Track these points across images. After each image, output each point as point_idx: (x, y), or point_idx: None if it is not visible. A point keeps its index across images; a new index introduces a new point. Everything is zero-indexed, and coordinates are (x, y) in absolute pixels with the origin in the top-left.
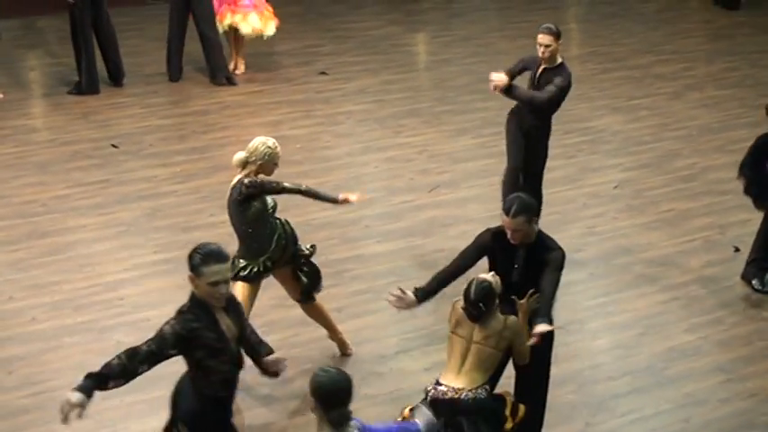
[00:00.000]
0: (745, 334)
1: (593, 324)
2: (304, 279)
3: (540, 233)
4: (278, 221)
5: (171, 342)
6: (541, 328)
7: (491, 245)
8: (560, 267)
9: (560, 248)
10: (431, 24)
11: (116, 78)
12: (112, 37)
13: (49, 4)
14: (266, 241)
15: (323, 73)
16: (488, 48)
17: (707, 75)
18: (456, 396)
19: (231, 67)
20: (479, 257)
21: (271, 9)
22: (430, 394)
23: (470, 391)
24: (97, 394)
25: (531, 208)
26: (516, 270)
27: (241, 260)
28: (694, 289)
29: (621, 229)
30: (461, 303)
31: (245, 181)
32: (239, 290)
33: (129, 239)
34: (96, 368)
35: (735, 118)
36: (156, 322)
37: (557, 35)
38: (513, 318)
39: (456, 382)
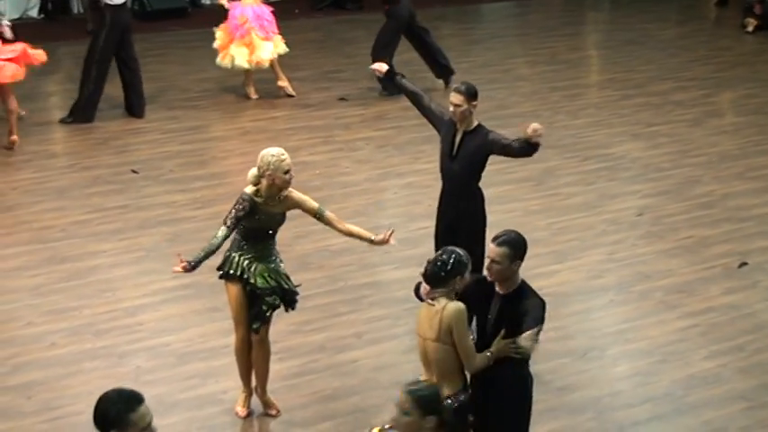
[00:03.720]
0: (766, 361)
1: (612, 351)
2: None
3: (523, 284)
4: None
5: None
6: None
7: (470, 290)
8: (540, 315)
9: (540, 298)
10: (450, 51)
11: (137, 112)
12: (138, 71)
13: (70, 31)
14: (235, 248)
15: (342, 99)
16: (507, 74)
17: (726, 101)
18: None
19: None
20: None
21: (253, 35)
22: None
23: (450, 397)
24: None
25: (520, 246)
26: (490, 321)
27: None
28: (714, 316)
29: (641, 255)
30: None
31: (245, 191)
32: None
33: (149, 265)
34: None
35: (754, 145)
36: (176, 347)
37: (468, 95)
38: (455, 303)
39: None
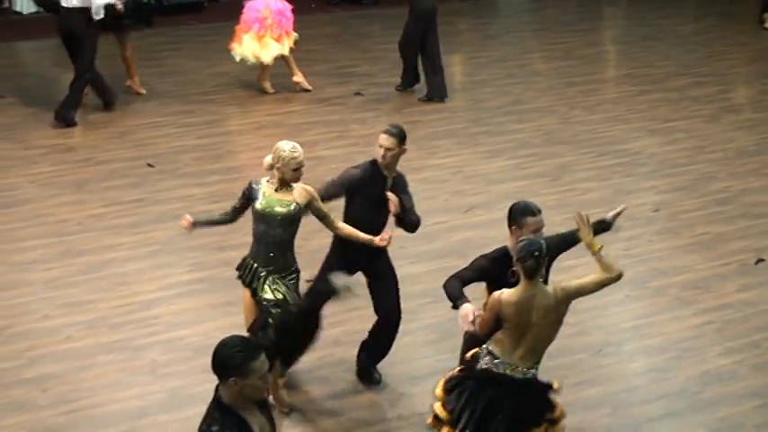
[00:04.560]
0: None
1: (628, 347)
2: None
3: None
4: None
5: None
6: None
7: (491, 271)
8: None
9: None
10: (466, 46)
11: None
12: (77, 81)
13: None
14: (252, 254)
15: (358, 94)
16: (523, 69)
17: (743, 97)
18: (510, 372)
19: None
20: (478, 281)
21: (271, 33)
22: (483, 362)
23: (525, 369)
24: (131, 413)
25: None
26: None
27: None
28: (730, 312)
29: (657, 251)
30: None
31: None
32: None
33: (164, 258)
34: (129, 387)
35: None
36: (191, 341)
37: (400, 139)
38: (558, 287)
39: (512, 358)
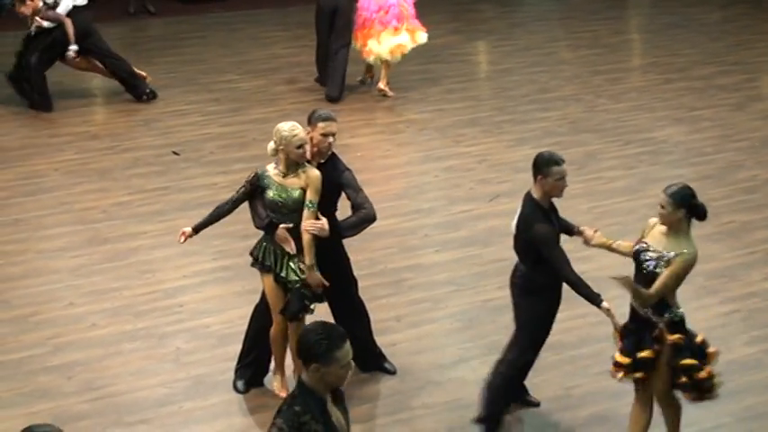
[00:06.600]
0: None
1: None
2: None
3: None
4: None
5: None
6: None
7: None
8: None
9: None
10: (492, 34)
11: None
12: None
13: (112, 13)
14: (268, 239)
15: None
16: (549, 57)
17: None
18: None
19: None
20: None
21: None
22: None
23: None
24: (156, 401)
25: None
26: None
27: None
28: (756, 301)
29: None
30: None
31: (261, 167)
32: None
33: (189, 246)
34: (154, 375)
35: None
36: (215, 329)
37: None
38: None
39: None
